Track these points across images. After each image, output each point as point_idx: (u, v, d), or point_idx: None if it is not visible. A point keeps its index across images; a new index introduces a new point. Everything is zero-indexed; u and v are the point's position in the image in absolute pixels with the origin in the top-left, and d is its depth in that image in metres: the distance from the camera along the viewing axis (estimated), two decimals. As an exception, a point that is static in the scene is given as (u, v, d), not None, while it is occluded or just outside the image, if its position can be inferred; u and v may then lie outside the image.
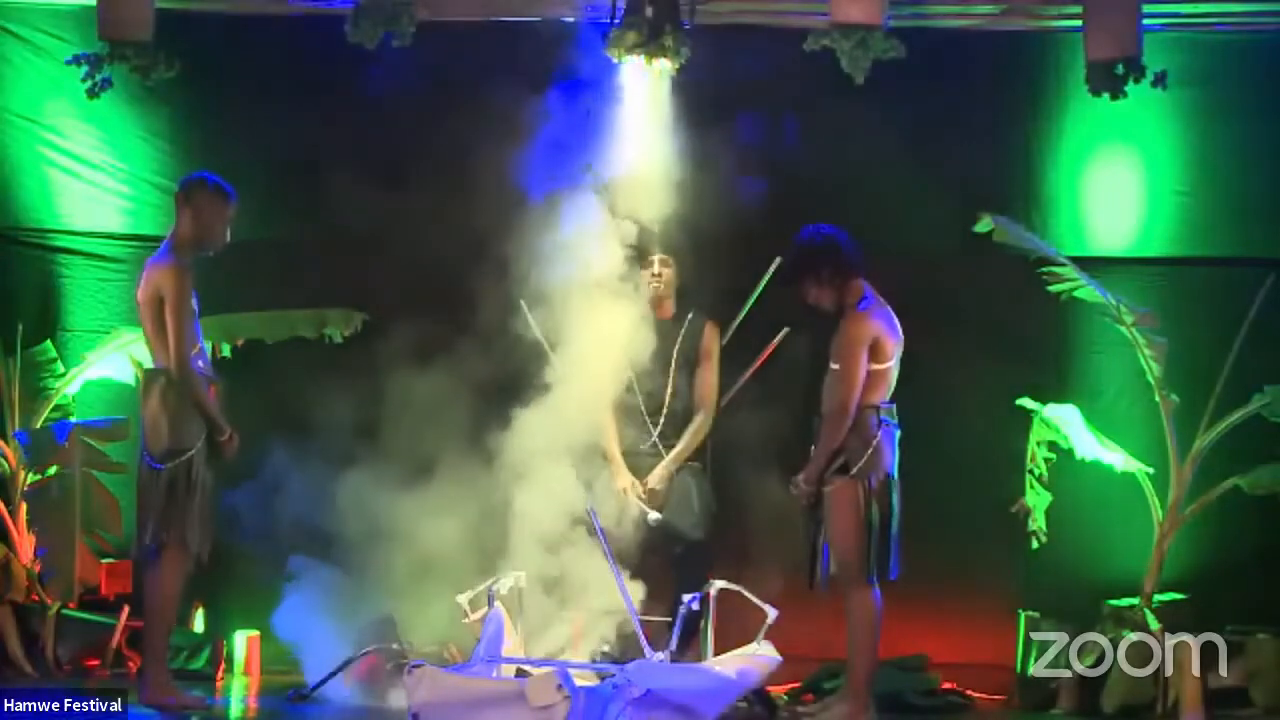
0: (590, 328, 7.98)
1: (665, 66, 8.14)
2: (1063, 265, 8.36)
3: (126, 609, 8.42)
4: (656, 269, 8.15)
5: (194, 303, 7.48)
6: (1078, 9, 8.22)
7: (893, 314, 7.46)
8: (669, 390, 8.15)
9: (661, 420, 8.16)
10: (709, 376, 8.24)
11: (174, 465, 7.39)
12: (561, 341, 8.01)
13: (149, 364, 7.67)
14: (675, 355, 8.18)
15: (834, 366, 7.42)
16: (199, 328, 7.53)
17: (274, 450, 8.17)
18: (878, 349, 7.37)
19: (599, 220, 8.02)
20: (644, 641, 7.06)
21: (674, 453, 8.11)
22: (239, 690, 8.28)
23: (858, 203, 7.87)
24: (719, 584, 7.25)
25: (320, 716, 7.77)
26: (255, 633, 8.59)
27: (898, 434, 7.42)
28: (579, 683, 6.30)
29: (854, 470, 7.33)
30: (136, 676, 7.98)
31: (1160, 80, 8.09)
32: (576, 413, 7.93)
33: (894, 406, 7.43)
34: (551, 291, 7.97)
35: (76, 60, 8.45)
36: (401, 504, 8.00)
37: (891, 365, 7.41)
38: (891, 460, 7.39)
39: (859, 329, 7.36)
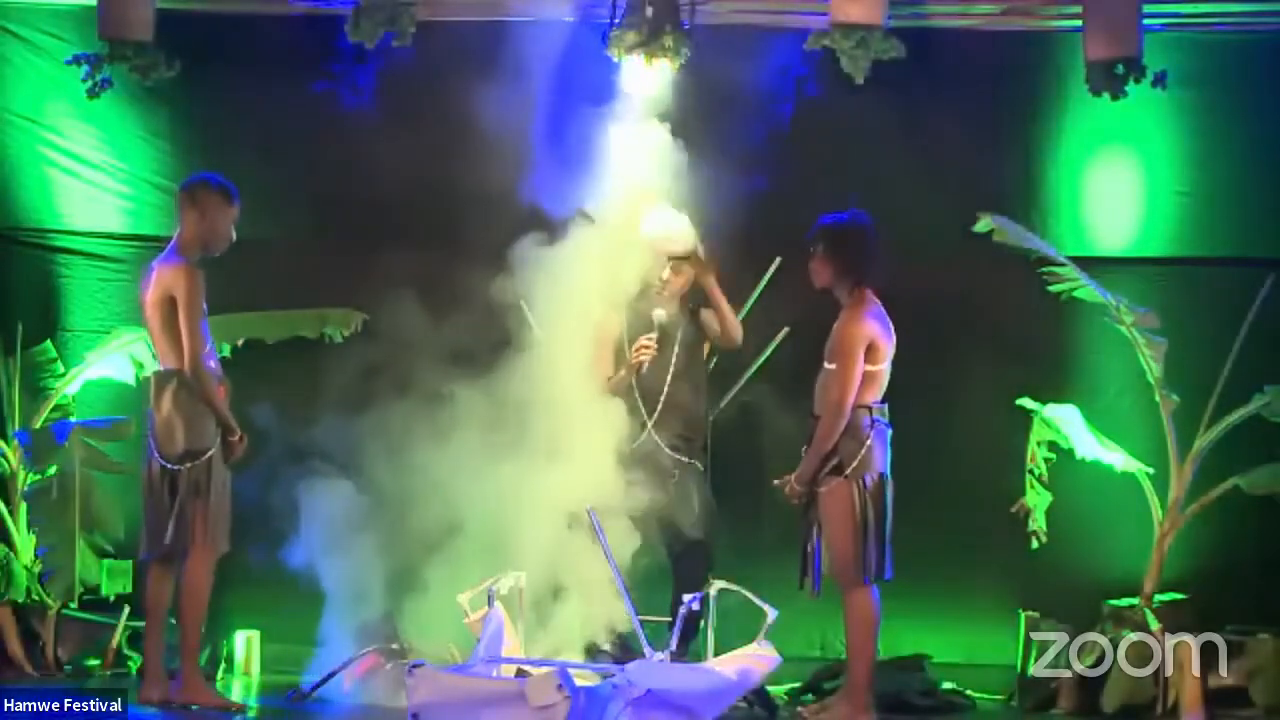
0: (592, 326, 8.00)
1: (665, 66, 8.15)
2: (1063, 265, 8.36)
3: (127, 609, 8.43)
4: (666, 275, 8.11)
5: (202, 303, 7.47)
6: (1078, 9, 8.23)
7: (886, 315, 7.45)
8: (666, 386, 8.13)
9: (657, 414, 8.13)
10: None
11: (193, 466, 7.38)
12: (561, 337, 8.03)
13: (150, 364, 7.65)
14: (675, 352, 8.16)
15: (828, 366, 7.40)
16: (207, 328, 7.52)
17: (273, 449, 8.17)
18: (873, 350, 7.35)
19: (601, 220, 8.03)
20: (644, 641, 7.05)
21: None
22: (239, 690, 8.27)
23: (857, 203, 7.86)
24: (719, 584, 7.25)
25: (320, 716, 7.77)
26: (255, 632, 8.60)
27: (890, 433, 7.41)
28: (579, 683, 6.29)
29: (848, 471, 7.31)
30: (137, 675, 7.99)
31: (1160, 80, 8.10)
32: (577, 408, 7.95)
33: (886, 406, 7.41)
34: (554, 288, 7.97)
35: (76, 60, 8.48)
36: (403, 498, 8.01)
37: (885, 366, 7.39)
38: (884, 460, 7.37)
39: (857, 329, 7.34)
